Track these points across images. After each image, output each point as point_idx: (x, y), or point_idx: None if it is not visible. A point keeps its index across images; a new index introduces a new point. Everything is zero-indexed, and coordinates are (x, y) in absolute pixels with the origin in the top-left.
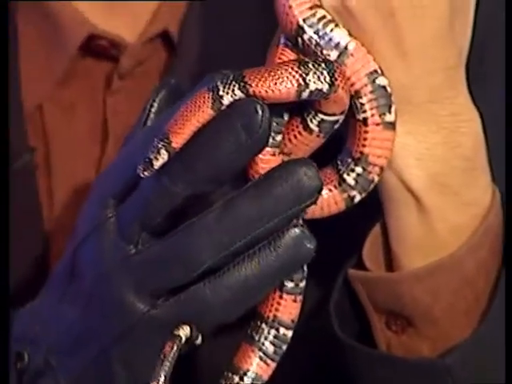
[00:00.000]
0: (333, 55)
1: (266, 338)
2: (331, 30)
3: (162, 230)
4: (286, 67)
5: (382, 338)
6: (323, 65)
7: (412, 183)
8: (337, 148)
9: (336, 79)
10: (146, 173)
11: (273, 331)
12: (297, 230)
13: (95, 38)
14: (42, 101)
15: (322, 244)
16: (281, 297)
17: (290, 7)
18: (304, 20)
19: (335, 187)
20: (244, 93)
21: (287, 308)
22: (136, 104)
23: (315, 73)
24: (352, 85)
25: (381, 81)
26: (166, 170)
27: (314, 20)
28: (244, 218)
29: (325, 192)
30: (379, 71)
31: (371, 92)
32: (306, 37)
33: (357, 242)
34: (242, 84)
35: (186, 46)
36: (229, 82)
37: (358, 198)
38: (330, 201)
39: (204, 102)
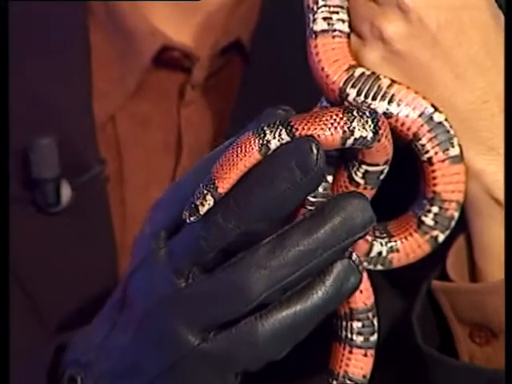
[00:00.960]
0: (382, 106)
1: None
2: (374, 84)
3: (214, 266)
4: (331, 113)
5: (465, 349)
6: (367, 113)
7: (501, 197)
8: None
9: (380, 128)
10: (192, 218)
11: None
12: (344, 263)
13: (168, 50)
14: (115, 112)
15: None
16: (350, 352)
17: (328, 76)
18: (344, 83)
19: (415, 231)
20: (291, 137)
21: (358, 363)
22: (209, 115)
23: (360, 120)
24: (408, 129)
25: (436, 117)
26: (219, 207)
27: (354, 80)
28: (297, 251)
29: (406, 238)
30: (432, 108)
31: (429, 131)
32: (350, 98)
33: (440, 253)
34: (288, 128)
35: (259, 56)
36: (275, 126)
37: (441, 237)
38: (412, 246)
39: (251, 146)
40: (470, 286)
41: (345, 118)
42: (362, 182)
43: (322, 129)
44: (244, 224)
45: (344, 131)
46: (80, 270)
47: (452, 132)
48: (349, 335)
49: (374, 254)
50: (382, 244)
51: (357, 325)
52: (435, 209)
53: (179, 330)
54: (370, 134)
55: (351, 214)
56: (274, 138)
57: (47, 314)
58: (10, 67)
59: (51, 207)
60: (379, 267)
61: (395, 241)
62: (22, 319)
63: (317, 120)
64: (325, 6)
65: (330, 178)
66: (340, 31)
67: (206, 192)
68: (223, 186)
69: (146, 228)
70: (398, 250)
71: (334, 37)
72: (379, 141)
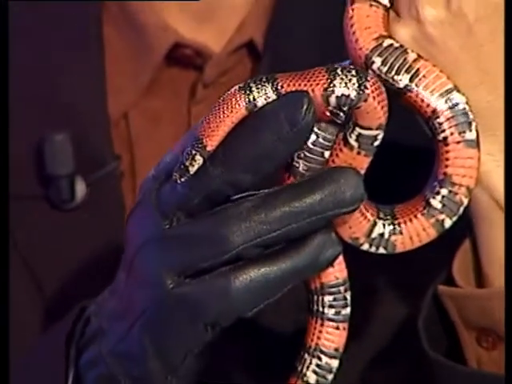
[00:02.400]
0: (404, 79)
1: (308, 368)
2: (400, 56)
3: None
4: (315, 71)
5: (472, 354)
6: (353, 72)
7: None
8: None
9: (366, 87)
10: (182, 179)
11: (315, 360)
12: (325, 234)
13: (181, 47)
14: (128, 109)
15: (411, 260)
16: (322, 325)
17: (357, 40)
18: (372, 50)
19: (421, 213)
20: (276, 94)
21: (329, 336)
22: None
23: (342, 78)
24: (428, 105)
25: (457, 98)
26: (208, 157)
27: (382, 49)
28: (281, 211)
29: (411, 220)
30: (454, 89)
31: (448, 110)
32: (375, 66)
33: (445, 257)
34: (274, 84)
35: (271, 56)
36: (262, 83)
37: (448, 223)
38: (417, 228)
39: (237, 102)
40: (476, 291)
41: (327, 76)
42: (355, 144)
43: (305, 85)
44: (229, 172)
45: (325, 88)
46: (94, 265)
47: (471, 116)
48: (320, 309)
49: (375, 234)
50: (384, 225)
51: (328, 298)
52: (444, 191)
53: (159, 271)
54: (354, 93)
55: (343, 188)
56: (260, 94)
57: (61, 310)
58: (25, 62)
59: (65, 203)
60: (381, 250)
61: (399, 223)
62: (35, 315)
63: (301, 77)
64: None
65: (327, 154)
66: (378, 2)
67: (194, 152)
68: (211, 144)
69: (152, 170)
70: (401, 232)
71: (371, 5)
72: (366, 101)
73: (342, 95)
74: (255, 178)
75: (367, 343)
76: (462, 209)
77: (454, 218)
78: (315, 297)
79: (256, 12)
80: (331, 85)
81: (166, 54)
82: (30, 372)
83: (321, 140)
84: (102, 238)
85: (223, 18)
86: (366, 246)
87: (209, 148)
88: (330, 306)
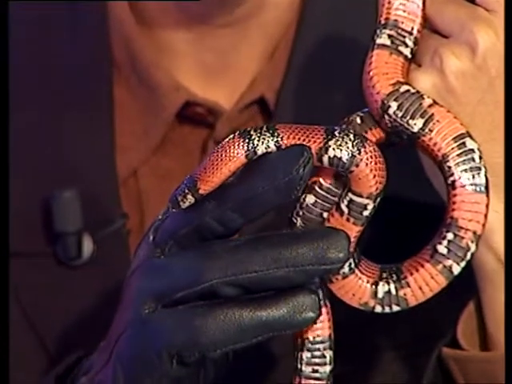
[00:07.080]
0: (419, 124)
1: None
2: (415, 101)
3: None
4: (315, 129)
5: None
6: (351, 136)
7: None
8: None
9: (360, 152)
10: (173, 210)
11: None
12: (305, 294)
13: (192, 105)
14: (138, 167)
15: (414, 320)
16: (299, 383)
17: (374, 86)
18: (388, 95)
19: (427, 261)
20: (275, 145)
21: None
22: None
23: (338, 140)
24: (439, 149)
25: (469, 144)
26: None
27: (398, 94)
28: (260, 255)
29: (417, 270)
30: (467, 135)
31: (458, 155)
32: (390, 111)
33: (449, 318)
34: (275, 135)
35: (283, 113)
36: (262, 132)
37: (456, 268)
38: (425, 277)
39: (237, 150)
40: (481, 354)
41: (324, 135)
42: (346, 210)
43: (303, 140)
44: (219, 208)
45: (320, 147)
46: (100, 323)
47: (482, 162)
48: (299, 366)
49: (381, 294)
50: (388, 282)
51: (306, 355)
52: (450, 235)
53: (139, 296)
54: (346, 156)
55: (326, 247)
56: (260, 142)
57: None
58: (35, 119)
59: (72, 260)
60: (395, 308)
61: (405, 276)
62: (37, 373)
63: (301, 132)
64: (395, 26)
65: (325, 215)
66: (399, 51)
67: (187, 191)
68: (205, 189)
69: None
70: (408, 285)
71: (391, 53)
72: (357, 166)
73: (335, 157)
74: (243, 221)
75: None
76: (469, 254)
77: (462, 264)
78: (295, 353)
79: (268, 70)
80: (326, 145)
81: (178, 113)
82: None
83: (320, 201)
84: (108, 295)
85: (234, 75)
86: (378, 309)
87: (201, 191)
88: (308, 364)
